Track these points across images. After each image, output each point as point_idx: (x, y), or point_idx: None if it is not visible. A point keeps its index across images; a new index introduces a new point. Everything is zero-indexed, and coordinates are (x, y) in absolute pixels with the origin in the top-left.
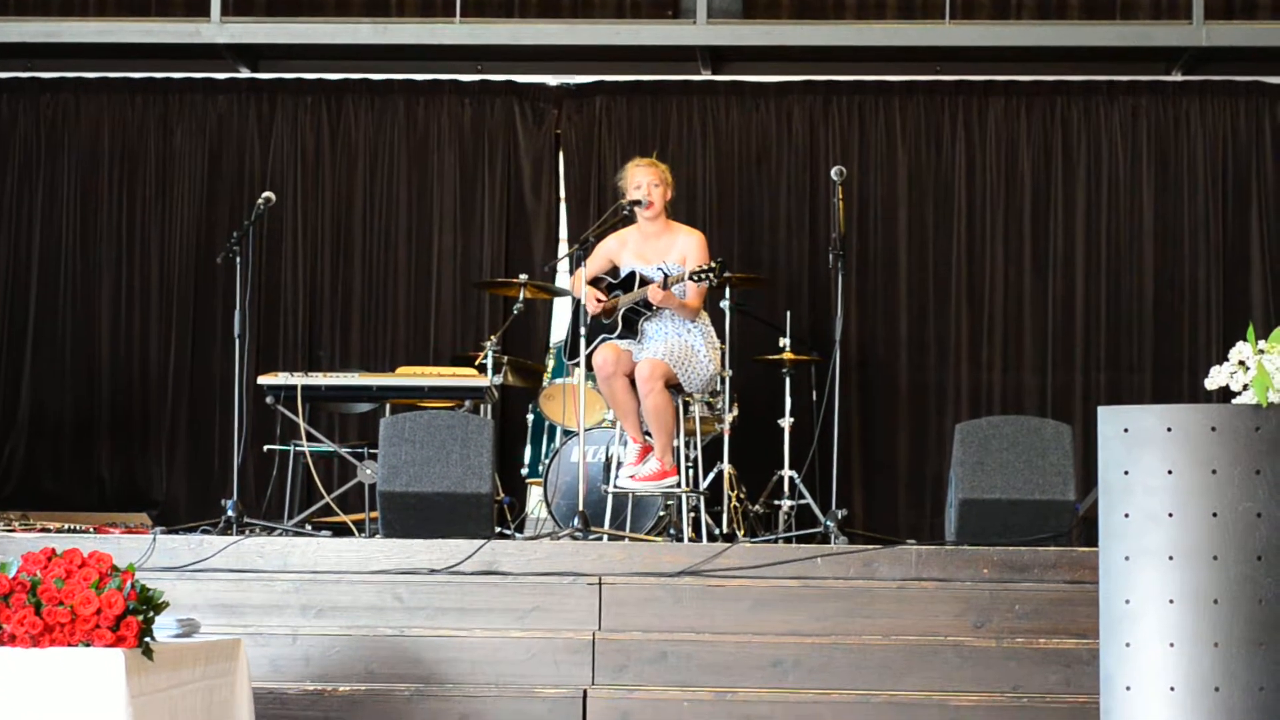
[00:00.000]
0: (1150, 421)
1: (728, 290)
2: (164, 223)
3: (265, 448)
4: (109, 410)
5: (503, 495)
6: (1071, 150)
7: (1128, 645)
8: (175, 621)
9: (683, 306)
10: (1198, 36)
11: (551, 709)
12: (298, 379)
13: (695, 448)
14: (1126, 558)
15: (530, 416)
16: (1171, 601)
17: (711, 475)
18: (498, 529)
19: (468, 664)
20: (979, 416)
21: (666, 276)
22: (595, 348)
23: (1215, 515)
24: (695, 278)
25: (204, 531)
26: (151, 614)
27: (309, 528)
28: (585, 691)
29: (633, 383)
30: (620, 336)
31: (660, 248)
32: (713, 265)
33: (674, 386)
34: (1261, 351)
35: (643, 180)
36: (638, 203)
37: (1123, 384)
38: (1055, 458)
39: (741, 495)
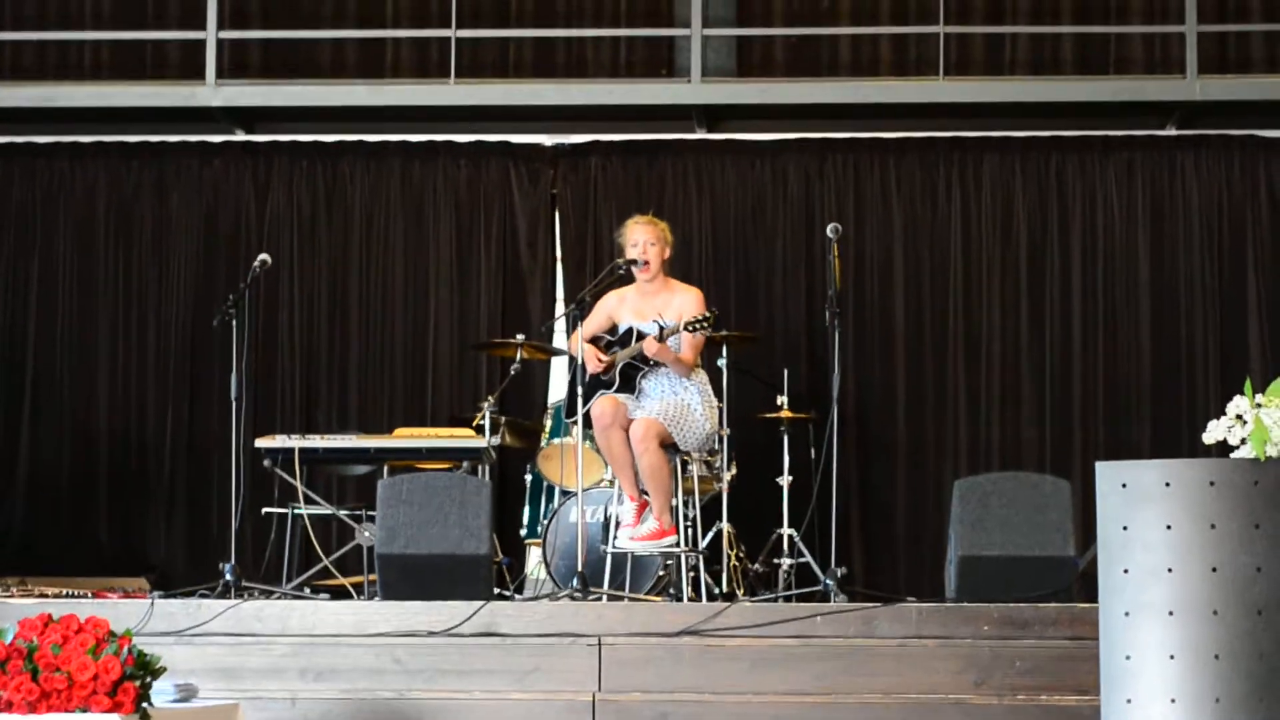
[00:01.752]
0: (1149, 477)
1: (725, 349)
2: (161, 286)
3: (263, 510)
4: (107, 474)
5: (501, 556)
6: (1067, 205)
7: (1129, 701)
8: (173, 686)
9: (678, 360)
10: (1191, 91)
11: None
12: (295, 441)
13: (694, 506)
14: (1126, 613)
15: (528, 477)
16: (1172, 657)
17: (711, 534)
18: (497, 590)
19: None
20: (978, 472)
21: (662, 329)
22: (593, 403)
23: (1215, 570)
24: (690, 328)
25: (202, 595)
26: (149, 679)
27: (307, 591)
28: None
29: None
30: (618, 391)
31: (658, 305)
32: (706, 315)
33: (670, 445)
34: (1259, 405)
35: (640, 239)
36: (634, 262)
37: (1121, 438)
38: (1055, 514)
39: (741, 554)
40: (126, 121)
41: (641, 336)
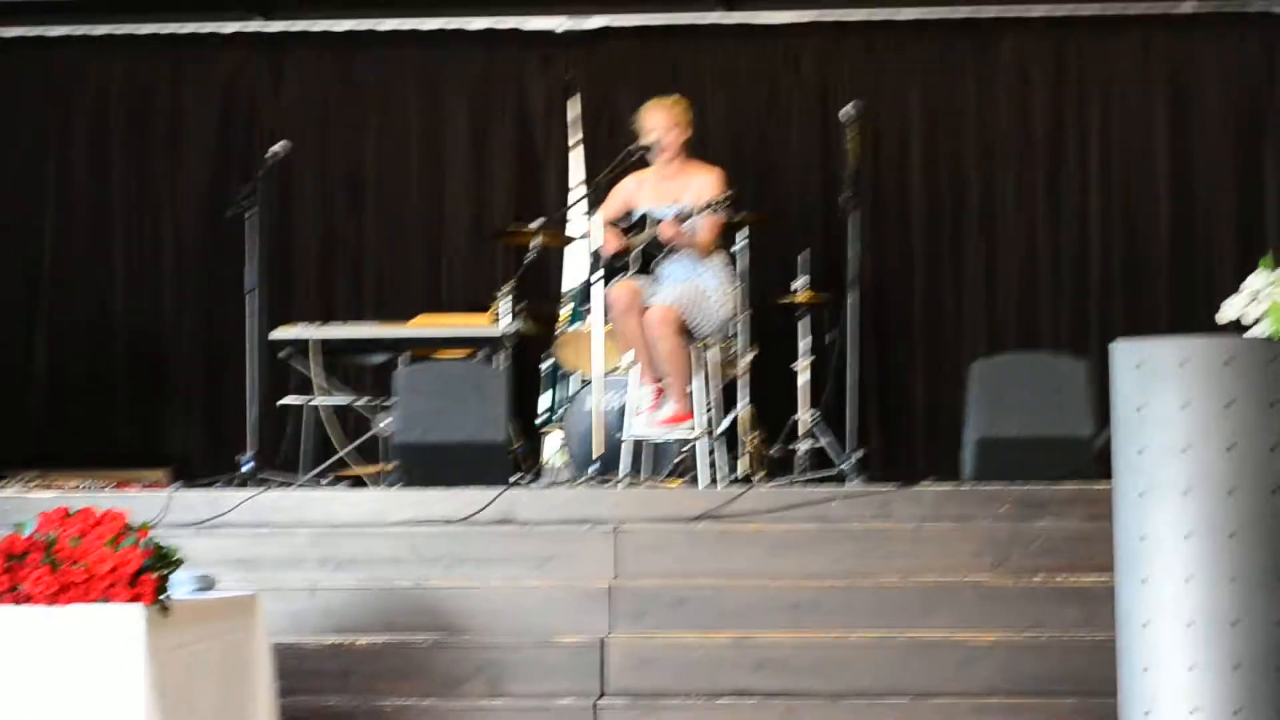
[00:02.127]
0: (1165, 354)
1: (744, 230)
2: (175, 178)
3: (282, 400)
4: (124, 367)
5: (519, 443)
6: (1085, 80)
7: (1144, 581)
8: (192, 577)
9: (695, 243)
10: None
11: (570, 657)
12: (312, 331)
13: (712, 390)
14: (1141, 493)
15: (546, 364)
16: (1187, 536)
17: (729, 419)
18: (514, 477)
19: (486, 613)
20: (995, 352)
21: (679, 213)
22: (610, 288)
23: (1231, 449)
24: (709, 209)
25: (221, 486)
26: (168, 570)
27: (326, 481)
28: (604, 639)
29: None
30: (636, 275)
31: (676, 188)
32: (724, 196)
33: (688, 329)
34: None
35: (654, 125)
36: (648, 149)
37: (1140, 314)
38: (1071, 393)
39: (759, 438)
40: (140, 11)
41: (660, 220)
